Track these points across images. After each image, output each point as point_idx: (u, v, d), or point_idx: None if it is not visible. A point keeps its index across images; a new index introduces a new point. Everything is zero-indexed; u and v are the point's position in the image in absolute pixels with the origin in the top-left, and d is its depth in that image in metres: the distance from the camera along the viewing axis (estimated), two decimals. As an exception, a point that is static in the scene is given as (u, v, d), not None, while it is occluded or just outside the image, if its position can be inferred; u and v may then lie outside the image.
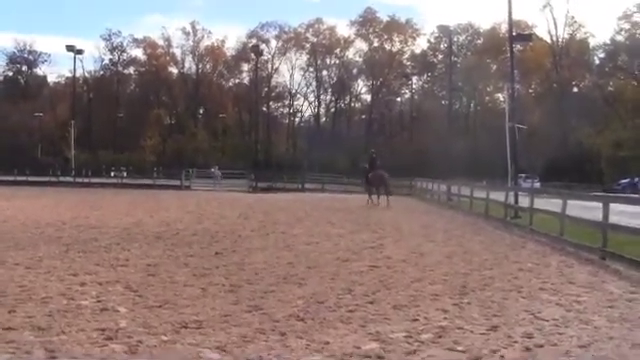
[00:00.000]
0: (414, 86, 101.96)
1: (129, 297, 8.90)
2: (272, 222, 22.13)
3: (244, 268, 11.68)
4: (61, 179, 60.75)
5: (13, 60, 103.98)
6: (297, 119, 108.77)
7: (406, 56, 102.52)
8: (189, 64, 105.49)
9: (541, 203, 20.67)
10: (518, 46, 63.24)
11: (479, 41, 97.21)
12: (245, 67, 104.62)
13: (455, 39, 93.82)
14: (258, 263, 12.31)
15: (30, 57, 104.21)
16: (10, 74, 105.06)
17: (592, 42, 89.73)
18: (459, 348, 6.63)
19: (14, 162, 66.70)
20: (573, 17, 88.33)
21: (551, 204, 19.37)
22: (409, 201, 39.71)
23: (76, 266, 11.51)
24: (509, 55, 39.06)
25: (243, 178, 59.63)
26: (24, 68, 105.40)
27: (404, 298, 9.15)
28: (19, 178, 58.93)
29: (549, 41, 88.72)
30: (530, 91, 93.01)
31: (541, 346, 6.75)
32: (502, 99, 68.33)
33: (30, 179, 58.70)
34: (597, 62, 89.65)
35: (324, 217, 24.72)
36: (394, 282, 10.45)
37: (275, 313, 8.04)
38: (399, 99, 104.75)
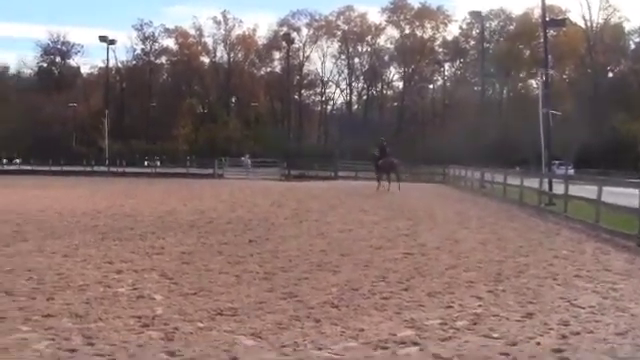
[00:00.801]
0: (446, 73, 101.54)
1: (164, 285, 8.96)
2: (305, 210, 22.18)
3: (278, 256, 11.71)
4: (95, 169, 61.35)
5: (47, 51, 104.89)
6: (329, 107, 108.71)
7: (438, 43, 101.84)
8: (221, 53, 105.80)
9: (575, 190, 20.47)
10: (551, 31, 62.63)
11: (511, 27, 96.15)
12: (276, 55, 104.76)
13: (487, 25, 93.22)
14: (292, 251, 12.33)
15: (63, 48, 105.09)
16: (44, 65, 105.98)
17: (627, 26, 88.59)
18: (494, 335, 6.59)
19: (49, 152, 67.48)
20: (607, 1, 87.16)
21: (586, 191, 19.18)
22: (442, 188, 39.55)
23: (112, 254, 11.63)
24: (542, 40, 38.77)
25: (275, 166, 59.76)
26: (58, 59, 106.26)
27: (439, 285, 9.12)
28: (54, 168, 59.59)
29: (583, 26, 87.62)
30: (564, 77, 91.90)
31: (577, 334, 6.68)
32: (535, 85, 67.59)
33: (65, 169, 59.29)
34: (632, 47, 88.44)
35: (357, 205, 24.70)
36: (428, 269, 10.42)
37: (310, 300, 8.05)
38: (431, 86, 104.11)
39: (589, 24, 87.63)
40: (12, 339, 6.24)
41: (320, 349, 6.07)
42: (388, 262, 11.09)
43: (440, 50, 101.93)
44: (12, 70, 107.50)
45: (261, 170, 59.30)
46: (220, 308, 7.57)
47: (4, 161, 73.72)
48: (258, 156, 71.10)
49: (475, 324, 7.03)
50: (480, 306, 7.90)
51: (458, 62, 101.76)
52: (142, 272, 9.87)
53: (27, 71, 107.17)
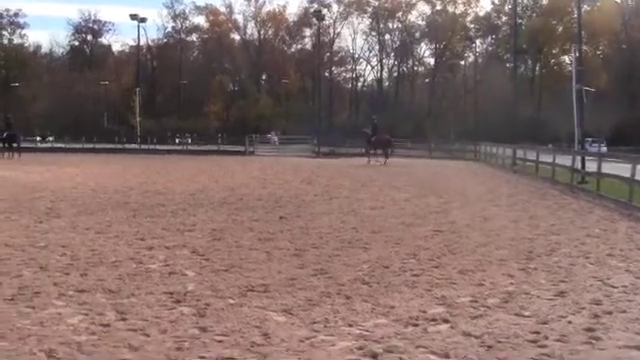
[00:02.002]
0: (478, 49, 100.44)
1: (196, 261, 9.04)
2: (336, 187, 22.20)
3: (309, 232, 11.75)
4: (127, 146, 61.71)
5: (79, 30, 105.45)
6: (359, 84, 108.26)
7: (470, 19, 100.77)
8: (251, 30, 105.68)
9: (609, 168, 20.25)
10: (586, 6, 61.72)
11: (544, 2, 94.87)
12: (307, 32, 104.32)
13: (520, 0, 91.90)
14: (323, 227, 12.36)
15: (95, 27, 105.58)
16: (76, 44, 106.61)
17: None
18: (526, 313, 6.56)
19: (81, 130, 68.05)
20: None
21: (619, 169, 18.96)
22: (474, 166, 39.34)
23: (144, 231, 11.73)
24: (576, 16, 38.15)
25: (306, 143, 59.76)
26: (89, 38, 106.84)
27: (470, 263, 9.10)
28: (86, 145, 60.08)
29: (618, 0, 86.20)
30: (598, 53, 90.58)
31: (610, 313, 6.63)
32: (568, 61, 66.87)
33: (97, 146, 59.75)
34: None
35: (388, 182, 24.66)
36: (459, 247, 10.39)
37: (340, 277, 8.07)
38: (463, 62, 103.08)
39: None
40: (47, 314, 6.34)
41: (351, 325, 6.10)
42: (419, 239, 11.08)
43: (472, 26, 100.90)
44: (45, 49, 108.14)
45: (291, 147, 59.34)
46: (251, 284, 7.62)
47: (38, 139, 74.44)
48: (289, 133, 71.11)
49: (506, 302, 7.01)
50: (511, 284, 7.88)
51: (490, 38, 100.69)
52: (174, 249, 9.96)
53: (59, 50, 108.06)
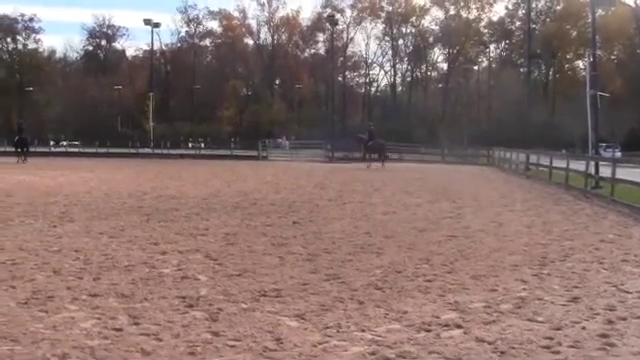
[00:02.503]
0: (491, 54, 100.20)
1: (209, 266, 9.05)
2: (349, 192, 22.22)
3: (322, 237, 11.74)
4: (140, 151, 62.06)
5: (93, 35, 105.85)
6: (373, 89, 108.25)
7: (483, 23, 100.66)
8: (264, 35, 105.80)
9: (623, 173, 20.16)
10: (600, 11, 61.47)
11: (558, 7, 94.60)
12: (320, 37, 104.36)
13: (534, 5, 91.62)
14: (336, 232, 12.36)
15: (109, 31, 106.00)
16: (90, 48, 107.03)
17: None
18: (539, 319, 6.53)
19: (95, 134, 68.42)
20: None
21: (634, 174, 18.88)
22: (487, 171, 39.26)
23: (157, 235, 11.76)
24: (590, 21, 38.00)
25: (319, 148, 59.80)
26: (103, 42, 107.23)
27: (483, 268, 9.07)
28: (100, 150, 60.37)
29: (632, 5, 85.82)
30: (612, 58, 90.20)
31: (624, 319, 6.58)
32: (582, 66, 66.64)
33: (110, 151, 60.04)
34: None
35: (402, 187, 24.66)
36: (472, 252, 10.36)
37: (353, 282, 8.06)
38: (476, 67, 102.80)
39: (639, 3, 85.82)
40: (60, 317, 6.37)
41: (363, 331, 6.08)
42: (432, 244, 11.06)
43: (485, 31, 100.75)
44: (59, 54, 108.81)
45: (305, 152, 59.35)
46: (264, 289, 7.62)
47: (52, 143, 74.71)
48: (302, 138, 71.17)
49: (519, 308, 6.98)
50: (524, 289, 7.84)
51: (503, 43, 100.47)
52: (187, 253, 9.97)
53: (73, 55, 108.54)
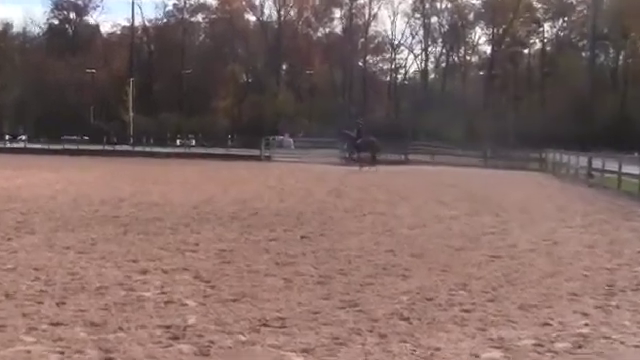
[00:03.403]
0: (546, 34, 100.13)
1: (199, 288, 9.03)
2: (370, 200, 22.26)
3: (336, 255, 11.72)
4: (117, 147, 62.20)
5: (59, 6, 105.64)
6: (400, 76, 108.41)
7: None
8: (269, 10, 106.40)
9: None
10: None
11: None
12: (337, 13, 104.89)
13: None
14: (353, 250, 12.34)
15: (79, 3, 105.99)
16: (55, 22, 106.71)
17: None
18: (604, 362, 6.48)
19: (62, 127, 68.59)
20: None
21: None
22: (539, 177, 39.19)
23: (136, 251, 11.75)
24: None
25: (334, 148, 59.78)
26: (72, 16, 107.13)
27: (533, 297, 9.01)
28: (69, 146, 60.43)
29: None
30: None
31: None
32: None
33: (81, 147, 60.20)
34: None
35: (433, 195, 24.65)
36: (520, 277, 10.30)
37: (374, 311, 8.03)
38: (527, 51, 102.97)
39: None
40: (12, 352, 6.31)
41: (386, 371, 6.05)
42: (470, 266, 11.01)
43: (539, 6, 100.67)
44: (17, 28, 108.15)
45: (317, 152, 59.35)
46: (265, 318, 7.59)
47: (7, 137, 73.73)
48: (313, 135, 71.28)
49: (579, 347, 6.91)
50: (586, 325, 7.77)
51: (562, 21, 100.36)
52: (172, 272, 9.96)
53: (35, 29, 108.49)
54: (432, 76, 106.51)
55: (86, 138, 71.12)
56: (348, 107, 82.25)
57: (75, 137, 70.17)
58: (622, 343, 7.12)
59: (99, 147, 61.06)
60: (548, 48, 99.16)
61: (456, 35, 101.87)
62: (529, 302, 8.70)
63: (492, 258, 11.84)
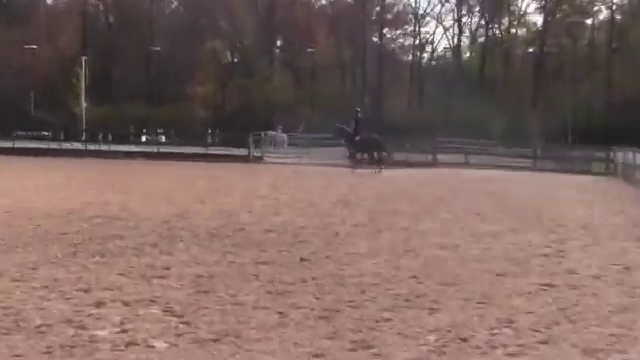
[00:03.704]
0: (614, 0, 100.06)
1: (170, 325, 9.01)
2: (387, 213, 22.29)
3: (344, 283, 11.70)
4: (66, 145, 62.10)
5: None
6: (426, 55, 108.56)
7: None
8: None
9: None
10: None
11: None
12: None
13: None
14: (366, 275, 12.32)
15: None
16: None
17: None
18: None
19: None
20: None
21: None
22: (606, 183, 39.25)
23: (89, 277, 11.72)
24: None
25: (342, 145, 59.82)
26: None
27: (600, 338, 8.97)
28: (2, 144, 60.19)
29: None
30: None
31: None
32: None
33: (17, 145, 59.97)
34: None
35: (468, 206, 24.70)
36: (582, 311, 10.26)
37: (392, 354, 8.01)
38: (590, 21, 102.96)
39: None
40: None
41: None
42: (516, 297, 10.97)
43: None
44: None
45: (320, 151, 59.36)
46: (254, 364, 7.57)
47: None
48: (316, 130, 71.26)
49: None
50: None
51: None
52: (136, 305, 9.93)
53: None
54: (467, 54, 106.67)
55: (46, 134, 71.50)
56: (360, 94, 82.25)
57: (31, 133, 70.62)
58: None
59: (43, 145, 60.93)
60: (618, 17, 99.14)
61: (498, 3, 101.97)
62: (594, 345, 8.65)
63: (545, 287, 11.80)
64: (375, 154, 45.65)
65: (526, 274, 12.87)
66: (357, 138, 45.43)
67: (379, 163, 44.39)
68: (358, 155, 45.99)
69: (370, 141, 45.74)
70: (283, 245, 15.46)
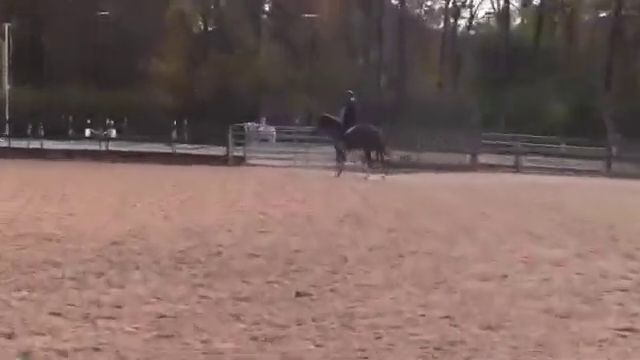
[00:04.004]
0: None
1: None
2: (410, 231, 22.28)
3: (354, 326, 11.69)
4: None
5: None
6: (462, 22, 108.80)
7: None
8: None
9: None
10: None
11: None
12: None
13: None
14: (383, 315, 12.31)
15: None
16: None
17: None
18: None
19: None
20: None
21: None
22: None
23: (13, 318, 11.70)
24: None
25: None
26: None
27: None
28: None
29: None
30: None
31: None
32: None
33: None
34: None
35: (519, 223, 24.71)
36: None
37: None
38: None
39: None
40: None
41: None
42: (584, 346, 10.96)
43: None
44: None
45: (320, 150, 59.30)
46: None
47: None
48: (317, 121, 71.27)
49: None
50: None
51: None
52: (75, 356, 9.90)
53: None
54: (517, 21, 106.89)
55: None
56: (375, 74, 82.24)
57: None
58: None
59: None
60: None
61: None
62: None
63: (623, 332, 11.77)
64: (373, 153, 44.82)
65: (599, 315, 12.83)
66: (349, 131, 44.08)
67: (381, 164, 43.97)
68: (342, 155, 45.40)
69: (366, 135, 44.41)
70: (273, 275, 15.42)
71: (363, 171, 43.28)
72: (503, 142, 59.34)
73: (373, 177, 41.36)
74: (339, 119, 45.32)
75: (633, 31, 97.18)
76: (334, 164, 44.68)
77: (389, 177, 40.70)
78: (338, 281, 14.95)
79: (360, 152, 44.79)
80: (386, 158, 45.17)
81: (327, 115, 47.86)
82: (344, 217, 25.32)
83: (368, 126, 45.03)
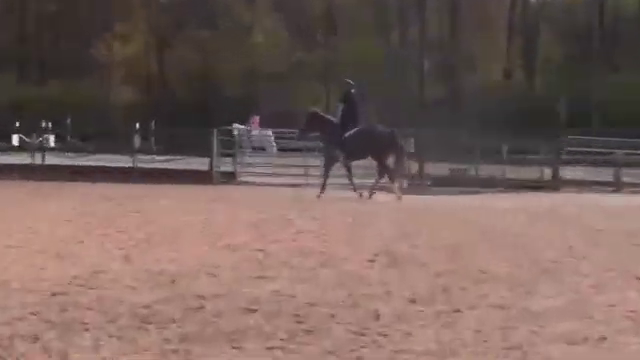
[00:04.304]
0: None
1: None
2: (468, 275, 22.17)
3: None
4: None
5: None
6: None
7: None
8: None
9: None
10: None
11: None
12: None
13: None
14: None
15: None
16: None
17: None
18: None
19: None
20: None
21: None
22: None
23: None
24: None
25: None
26: None
27: None
28: None
29: None
30: None
31: None
32: None
33: None
34: None
35: (620, 264, 24.48)
36: None
37: None
38: None
39: None
40: None
41: None
42: None
43: None
44: None
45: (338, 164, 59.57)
46: None
47: None
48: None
49: None
50: None
51: None
52: None
53: None
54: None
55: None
56: (416, 57, 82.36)
57: None
58: None
59: None
60: None
61: None
62: None
63: None
64: (390, 163, 43.59)
65: None
66: (348, 134, 42.96)
67: (394, 179, 43.27)
68: (329, 165, 44.94)
69: (374, 139, 43.41)
70: (275, 338, 15.30)
71: (391, 191, 42.96)
72: (597, 150, 59.42)
73: (405, 198, 41.63)
74: (334, 118, 44.59)
75: None
76: (370, 184, 43.99)
77: (431, 199, 40.52)
78: (367, 346, 14.81)
79: (378, 164, 43.77)
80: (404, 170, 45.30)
81: (316, 112, 47.61)
82: (374, 256, 25.20)
83: (376, 127, 44.95)
